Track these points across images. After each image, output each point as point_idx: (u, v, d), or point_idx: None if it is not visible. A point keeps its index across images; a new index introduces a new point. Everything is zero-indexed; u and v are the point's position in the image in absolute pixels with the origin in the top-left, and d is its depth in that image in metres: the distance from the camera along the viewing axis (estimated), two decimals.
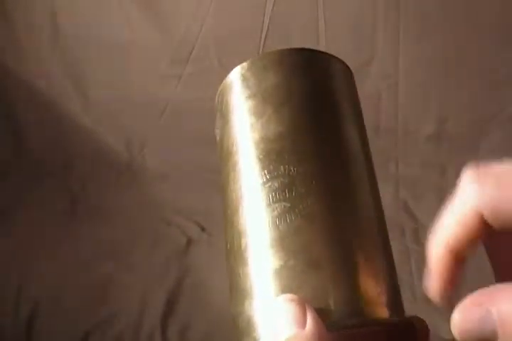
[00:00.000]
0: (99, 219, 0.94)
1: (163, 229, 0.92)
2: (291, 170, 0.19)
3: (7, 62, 1.12)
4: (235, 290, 0.19)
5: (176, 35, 1.08)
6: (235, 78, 0.22)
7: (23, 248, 0.85)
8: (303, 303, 0.16)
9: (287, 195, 0.19)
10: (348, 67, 0.24)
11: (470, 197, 0.16)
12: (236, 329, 0.19)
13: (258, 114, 0.21)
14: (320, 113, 0.20)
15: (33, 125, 1.14)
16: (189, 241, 0.88)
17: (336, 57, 0.23)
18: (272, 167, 0.19)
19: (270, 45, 1.03)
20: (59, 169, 1.12)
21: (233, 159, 0.21)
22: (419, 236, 0.86)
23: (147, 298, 0.75)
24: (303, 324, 0.16)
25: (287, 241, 0.18)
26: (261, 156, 0.20)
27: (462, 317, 0.16)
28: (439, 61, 1.04)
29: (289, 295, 0.17)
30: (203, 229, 0.92)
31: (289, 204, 0.18)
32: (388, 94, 1.05)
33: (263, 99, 0.21)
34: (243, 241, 0.19)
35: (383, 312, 0.18)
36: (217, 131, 0.23)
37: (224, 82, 0.23)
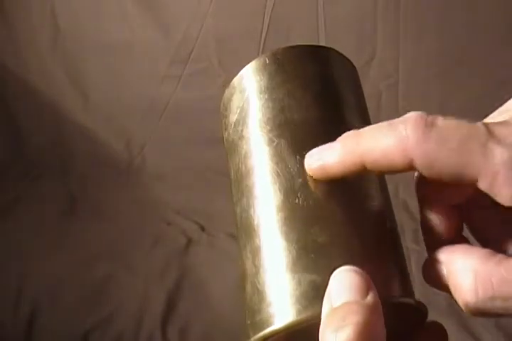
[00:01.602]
0: (98, 219, 0.94)
1: (163, 229, 0.92)
2: None
3: (7, 62, 1.12)
4: (269, 264, 0.19)
5: (176, 35, 1.08)
6: (270, 62, 0.23)
7: (23, 248, 0.85)
8: (367, 276, 0.16)
9: None
10: (356, 69, 0.26)
11: (408, 143, 0.17)
12: (268, 305, 0.18)
13: (297, 97, 0.22)
14: (352, 104, 0.23)
15: (33, 125, 1.14)
16: (189, 241, 0.88)
17: (349, 59, 0.25)
18: (311, 147, 0.20)
19: (270, 45, 1.03)
20: (59, 169, 1.12)
21: (266, 137, 0.21)
22: (419, 236, 0.85)
23: (147, 298, 0.75)
24: (364, 294, 0.16)
25: (332, 219, 0.19)
26: (302, 136, 0.21)
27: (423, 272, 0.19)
28: (439, 61, 1.04)
29: (353, 267, 0.17)
30: (203, 229, 0.92)
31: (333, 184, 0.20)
32: (388, 94, 1.06)
33: (303, 84, 0.22)
34: (282, 216, 0.20)
35: (406, 293, 0.19)
36: (236, 110, 0.24)
37: (253, 63, 0.24)
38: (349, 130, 0.20)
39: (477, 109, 1.01)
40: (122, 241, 0.87)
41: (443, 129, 0.17)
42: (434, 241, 0.20)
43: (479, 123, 0.17)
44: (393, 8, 1.02)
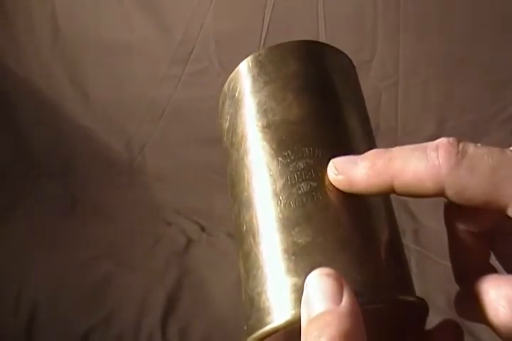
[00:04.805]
0: (99, 219, 0.94)
1: (163, 229, 0.92)
2: (315, 152, 0.20)
3: (7, 62, 1.12)
4: (256, 269, 0.19)
5: (176, 35, 1.08)
6: (252, 65, 0.23)
7: (23, 248, 0.85)
8: (339, 278, 0.16)
9: (313, 175, 0.19)
10: (352, 62, 0.25)
11: (441, 171, 0.17)
12: (256, 310, 0.18)
13: (278, 98, 0.21)
14: (339, 99, 0.22)
15: (33, 125, 1.14)
16: (189, 241, 0.88)
17: (343, 52, 0.24)
18: (296, 148, 0.20)
19: (270, 45, 1.03)
20: (59, 169, 1.12)
21: (251, 142, 0.21)
22: (419, 236, 0.86)
23: (147, 297, 0.75)
24: (338, 300, 0.15)
25: (315, 219, 0.18)
26: (283, 137, 0.20)
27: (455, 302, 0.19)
28: (439, 61, 1.04)
29: (325, 269, 0.16)
30: (203, 229, 0.92)
31: (315, 184, 0.19)
32: (388, 94, 1.05)
33: (283, 84, 0.22)
34: (266, 220, 0.19)
35: (404, 290, 0.19)
36: (227, 117, 0.23)
37: (238, 68, 0.24)
38: (336, 125, 0.20)
39: (477, 109, 1.02)
40: (122, 241, 0.87)
41: (474, 157, 0.17)
42: (462, 269, 0.20)
43: (509, 151, 0.17)
44: (393, 8, 1.02)
